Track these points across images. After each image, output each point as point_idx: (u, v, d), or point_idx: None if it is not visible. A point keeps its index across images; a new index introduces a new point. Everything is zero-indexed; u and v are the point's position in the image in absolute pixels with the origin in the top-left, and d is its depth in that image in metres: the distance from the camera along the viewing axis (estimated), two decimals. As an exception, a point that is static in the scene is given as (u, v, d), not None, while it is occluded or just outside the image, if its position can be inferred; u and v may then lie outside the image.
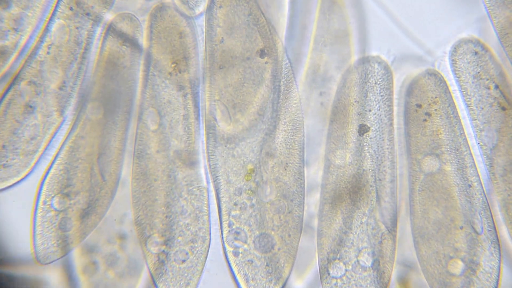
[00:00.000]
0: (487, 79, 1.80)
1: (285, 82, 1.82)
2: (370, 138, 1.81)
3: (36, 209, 1.83)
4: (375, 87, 1.82)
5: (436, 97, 1.81)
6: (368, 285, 1.79)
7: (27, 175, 1.85)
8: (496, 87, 1.79)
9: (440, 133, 1.80)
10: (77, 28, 1.83)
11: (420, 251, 1.80)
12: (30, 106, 1.83)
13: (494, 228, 1.79)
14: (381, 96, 1.81)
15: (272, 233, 1.81)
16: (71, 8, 1.83)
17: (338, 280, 1.80)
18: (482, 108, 1.80)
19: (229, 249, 1.82)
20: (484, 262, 1.77)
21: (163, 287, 1.84)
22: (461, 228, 1.78)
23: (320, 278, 1.81)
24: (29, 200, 1.85)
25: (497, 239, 1.78)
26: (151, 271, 1.83)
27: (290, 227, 1.81)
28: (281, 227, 1.81)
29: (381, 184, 1.80)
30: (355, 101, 1.82)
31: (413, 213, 1.80)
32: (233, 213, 1.82)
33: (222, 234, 1.82)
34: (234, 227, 1.82)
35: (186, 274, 1.84)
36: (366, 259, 1.79)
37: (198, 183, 1.85)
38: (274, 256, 1.81)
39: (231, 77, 1.82)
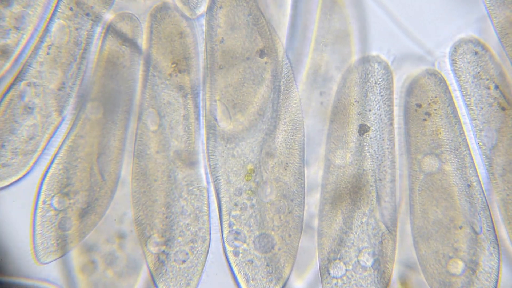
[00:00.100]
0: (487, 79, 1.80)
1: (285, 82, 1.82)
2: (370, 138, 1.81)
3: (35, 209, 1.83)
4: (375, 87, 1.82)
5: (436, 97, 1.81)
6: (369, 285, 1.79)
7: (25, 175, 1.85)
8: (496, 87, 1.79)
9: (440, 133, 1.81)
10: (76, 29, 1.83)
11: (419, 251, 1.80)
12: (30, 108, 1.82)
13: (493, 228, 1.79)
14: (381, 96, 1.82)
15: (272, 233, 1.81)
16: (71, 9, 1.83)
17: (339, 280, 1.80)
18: (482, 108, 1.80)
19: (229, 248, 1.82)
20: (483, 262, 1.77)
21: (164, 287, 1.84)
22: (460, 228, 1.78)
23: (321, 278, 1.81)
24: (29, 200, 1.85)
25: (496, 239, 1.78)
26: (151, 271, 1.83)
27: (290, 227, 1.81)
28: (281, 227, 1.81)
29: (381, 184, 1.80)
30: (355, 101, 1.82)
31: (413, 213, 1.80)
32: (233, 213, 1.82)
33: (222, 234, 1.82)
34: (234, 227, 1.82)
35: (186, 274, 1.84)
36: (366, 259, 1.79)
37: (198, 183, 1.84)
38: (274, 256, 1.81)
39: (231, 77, 1.82)
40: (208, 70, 1.83)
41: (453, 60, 1.82)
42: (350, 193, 1.80)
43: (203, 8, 1.83)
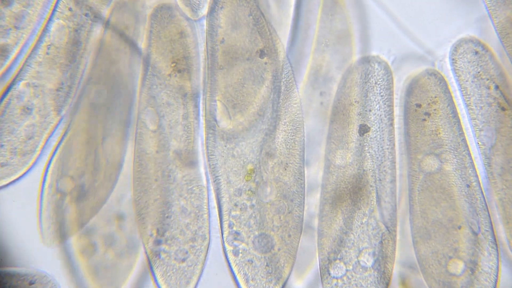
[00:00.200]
0: (487, 79, 1.80)
1: (285, 82, 1.82)
2: (370, 138, 1.81)
3: (42, 192, 1.83)
4: (375, 87, 1.82)
5: (435, 97, 1.81)
6: (369, 285, 1.79)
7: (24, 174, 1.85)
8: (496, 87, 1.79)
9: (440, 133, 1.81)
10: (76, 30, 1.83)
11: (419, 251, 1.80)
12: (28, 108, 1.82)
13: (492, 228, 1.79)
14: (381, 96, 1.81)
15: (272, 233, 1.81)
16: (70, 9, 1.82)
17: (339, 280, 1.80)
18: (482, 108, 1.80)
19: (229, 248, 1.82)
20: (482, 262, 1.78)
21: (164, 286, 1.84)
22: (459, 228, 1.78)
23: (321, 278, 1.81)
24: (29, 200, 1.85)
25: (495, 239, 1.79)
26: (148, 253, 1.83)
27: (290, 227, 1.81)
28: (281, 227, 1.81)
29: (381, 184, 1.80)
30: (355, 101, 1.81)
31: (413, 213, 1.81)
32: (233, 213, 1.82)
33: (222, 235, 1.82)
34: (234, 228, 1.82)
35: (186, 273, 1.84)
36: (366, 259, 1.79)
37: (197, 182, 1.84)
38: (274, 256, 1.81)
39: (232, 77, 1.82)
40: (208, 70, 1.83)
41: (453, 59, 1.82)
42: (350, 193, 1.80)
43: (204, 10, 1.83)
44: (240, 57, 1.81)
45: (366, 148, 1.81)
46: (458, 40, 1.82)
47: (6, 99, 1.83)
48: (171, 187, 1.83)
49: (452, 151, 1.80)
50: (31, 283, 1.83)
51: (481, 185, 1.80)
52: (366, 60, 1.82)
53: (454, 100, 1.81)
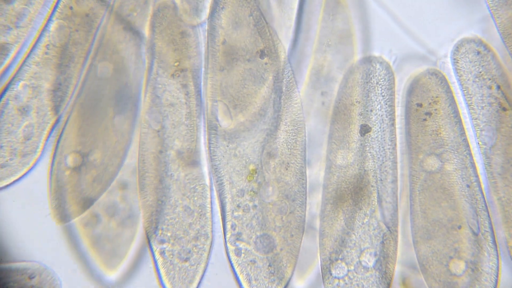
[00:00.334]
0: (489, 79, 1.80)
1: (286, 82, 1.81)
2: (372, 138, 1.81)
3: (51, 169, 1.82)
4: (376, 87, 1.81)
5: (437, 97, 1.81)
6: (371, 286, 1.80)
7: (25, 175, 1.84)
8: (498, 87, 1.79)
9: (440, 133, 1.81)
10: (76, 30, 1.82)
11: (420, 251, 1.81)
12: (24, 109, 1.81)
13: (492, 228, 1.80)
14: (383, 96, 1.81)
15: (274, 234, 1.81)
16: (70, 8, 1.81)
17: (340, 281, 1.81)
18: (483, 108, 1.80)
19: (231, 248, 1.82)
20: (483, 262, 1.79)
21: (168, 285, 1.85)
22: (459, 227, 1.79)
23: (323, 279, 1.82)
24: (29, 200, 1.85)
25: (495, 239, 1.79)
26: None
27: (292, 228, 1.82)
28: (283, 227, 1.81)
29: (383, 184, 1.80)
30: (357, 101, 1.81)
31: (414, 213, 1.81)
32: (235, 214, 1.82)
33: (224, 235, 1.83)
34: (236, 228, 1.82)
35: (189, 272, 1.84)
36: (368, 260, 1.80)
37: (200, 181, 1.84)
38: (276, 257, 1.82)
39: (233, 78, 1.81)
40: (209, 70, 1.82)
41: (455, 59, 1.81)
42: (351, 193, 1.81)
43: (205, 14, 1.82)
44: (241, 58, 1.81)
45: (367, 148, 1.81)
46: (460, 40, 1.81)
47: (4, 99, 1.82)
48: (173, 187, 1.84)
49: (453, 151, 1.80)
50: (31, 277, 1.83)
51: (482, 185, 1.80)
52: (367, 60, 1.82)
53: (456, 100, 1.81)
